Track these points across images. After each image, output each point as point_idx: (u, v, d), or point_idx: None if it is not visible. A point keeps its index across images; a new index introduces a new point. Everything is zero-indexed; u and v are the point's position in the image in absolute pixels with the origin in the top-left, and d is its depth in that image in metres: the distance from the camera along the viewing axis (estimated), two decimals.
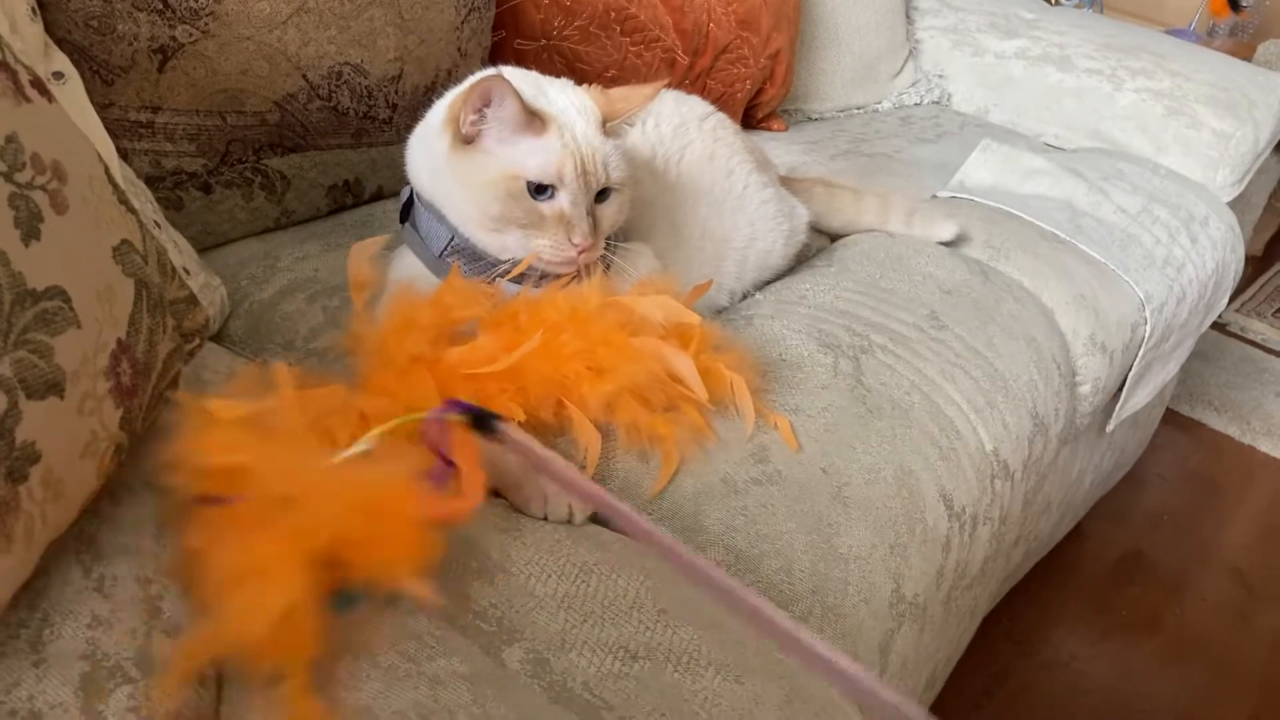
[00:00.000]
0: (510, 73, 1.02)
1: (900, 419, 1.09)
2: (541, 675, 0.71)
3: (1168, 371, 1.86)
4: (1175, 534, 2.20)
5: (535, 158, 0.95)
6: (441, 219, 1.01)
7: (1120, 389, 1.64)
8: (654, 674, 0.73)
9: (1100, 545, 2.11)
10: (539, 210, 0.96)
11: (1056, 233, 1.62)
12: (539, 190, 0.96)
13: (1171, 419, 2.47)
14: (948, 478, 1.09)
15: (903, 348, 1.20)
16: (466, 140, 0.97)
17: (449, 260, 1.01)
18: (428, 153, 1.02)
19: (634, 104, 1.01)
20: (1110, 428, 1.71)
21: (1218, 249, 1.82)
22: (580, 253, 0.97)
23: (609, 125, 1.00)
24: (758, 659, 0.78)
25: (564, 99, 0.99)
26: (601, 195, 0.99)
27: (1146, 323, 1.59)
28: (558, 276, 0.98)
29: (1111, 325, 1.52)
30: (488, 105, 0.94)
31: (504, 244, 0.98)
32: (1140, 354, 1.61)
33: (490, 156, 0.96)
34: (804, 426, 1.02)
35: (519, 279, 0.99)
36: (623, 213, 1.02)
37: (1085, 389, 1.48)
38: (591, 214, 0.97)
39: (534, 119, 0.95)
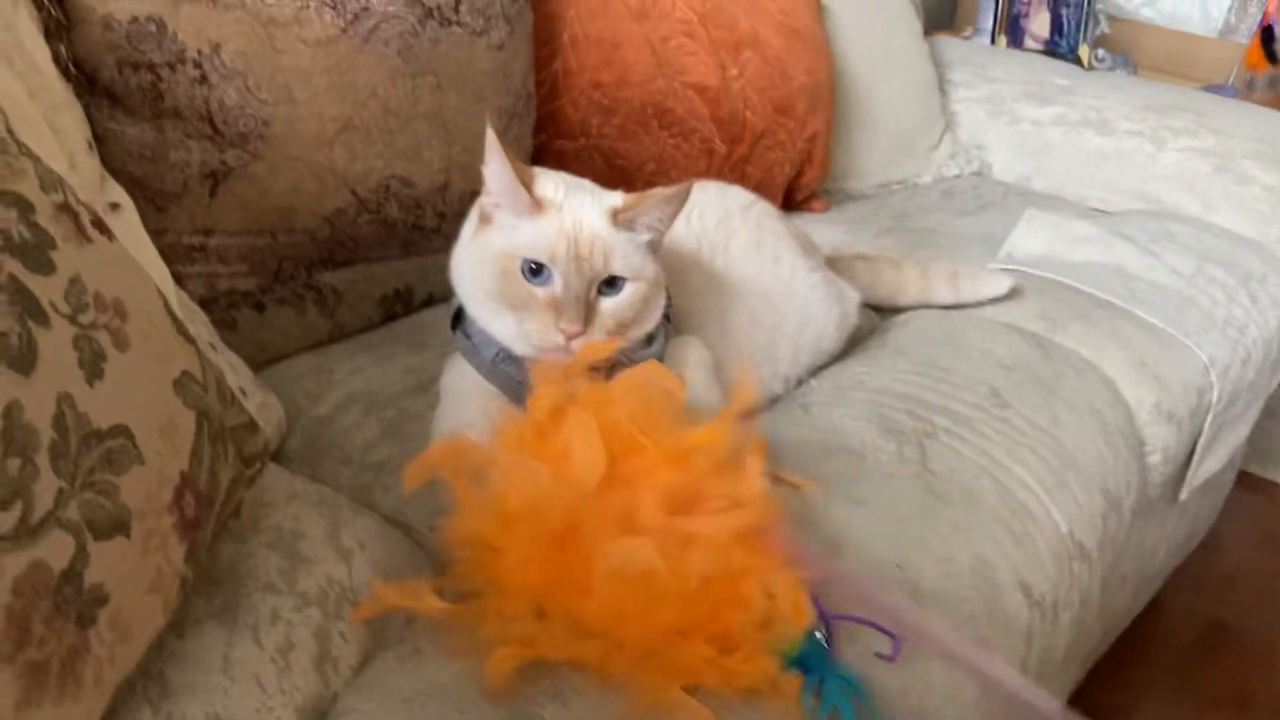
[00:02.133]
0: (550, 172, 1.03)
1: (971, 505, 1.07)
2: None
3: (1238, 435, 1.81)
4: (1257, 600, 2.12)
5: (530, 236, 0.95)
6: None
7: (1190, 455, 1.60)
8: None
9: (1181, 617, 2.04)
10: (530, 291, 0.95)
11: (1111, 299, 1.59)
12: (535, 272, 0.95)
13: (1244, 481, 2.39)
14: (1024, 564, 1.05)
15: (967, 429, 1.17)
16: (485, 220, 0.98)
17: (501, 366, 1.01)
18: (459, 245, 1.03)
19: (653, 198, 0.98)
20: (1183, 496, 1.66)
21: (1279, 306, 1.79)
22: (569, 339, 0.94)
23: (623, 215, 0.97)
24: None
25: (586, 192, 0.99)
26: (612, 287, 0.97)
27: (1213, 387, 1.55)
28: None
29: (1176, 391, 1.48)
30: (485, 166, 0.95)
31: (501, 327, 0.98)
32: (1209, 419, 1.57)
33: (496, 233, 0.97)
34: (872, 519, 1.00)
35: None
36: (636, 309, 0.98)
37: (1155, 459, 1.44)
38: (587, 302, 0.95)
39: (527, 194, 0.94)
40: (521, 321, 0.96)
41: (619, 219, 0.97)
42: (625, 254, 0.97)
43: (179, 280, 1.11)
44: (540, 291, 0.95)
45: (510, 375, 1.01)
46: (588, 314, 0.95)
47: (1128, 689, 1.82)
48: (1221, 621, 2.04)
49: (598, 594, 0.79)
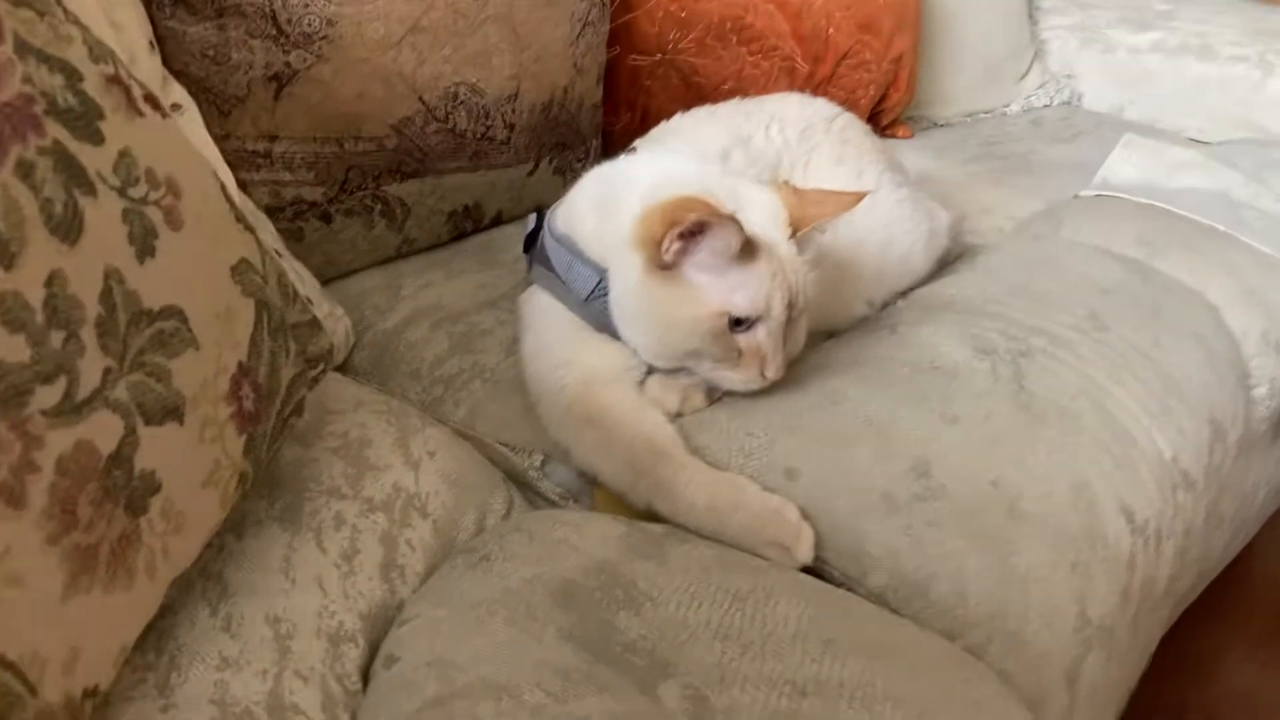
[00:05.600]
0: (688, 171, 0.93)
1: (1069, 426, 1.00)
2: (702, 713, 0.64)
3: None
4: None
5: (744, 292, 0.86)
6: (583, 258, 0.94)
7: None
8: (828, 711, 0.66)
9: (1277, 564, 1.95)
10: (735, 344, 0.88)
11: (1215, 226, 1.50)
12: (738, 323, 0.87)
13: None
14: (1126, 489, 0.99)
15: (1064, 350, 1.10)
16: (664, 266, 0.87)
17: (595, 303, 0.94)
18: (618, 264, 0.91)
19: (827, 211, 0.93)
20: None
21: None
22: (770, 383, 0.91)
23: (802, 236, 0.91)
24: (938, 691, 0.70)
25: (758, 211, 0.90)
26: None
27: None
28: None
29: None
30: (702, 236, 0.85)
31: (685, 367, 0.93)
32: None
33: (694, 289, 0.87)
34: (966, 437, 0.94)
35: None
36: (805, 332, 0.96)
37: (1261, 391, 1.35)
38: (784, 341, 0.90)
39: (747, 246, 0.86)
40: (716, 369, 0.91)
41: (798, 240, 0.91)
42: (812, 283, 0.92)
43: (243, 188, 1.08)
44: (744, 341, 0.89)
45: (604, 311, 0.95)
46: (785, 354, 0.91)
47: (1219, 634, 1.74)
48: None
49: None
